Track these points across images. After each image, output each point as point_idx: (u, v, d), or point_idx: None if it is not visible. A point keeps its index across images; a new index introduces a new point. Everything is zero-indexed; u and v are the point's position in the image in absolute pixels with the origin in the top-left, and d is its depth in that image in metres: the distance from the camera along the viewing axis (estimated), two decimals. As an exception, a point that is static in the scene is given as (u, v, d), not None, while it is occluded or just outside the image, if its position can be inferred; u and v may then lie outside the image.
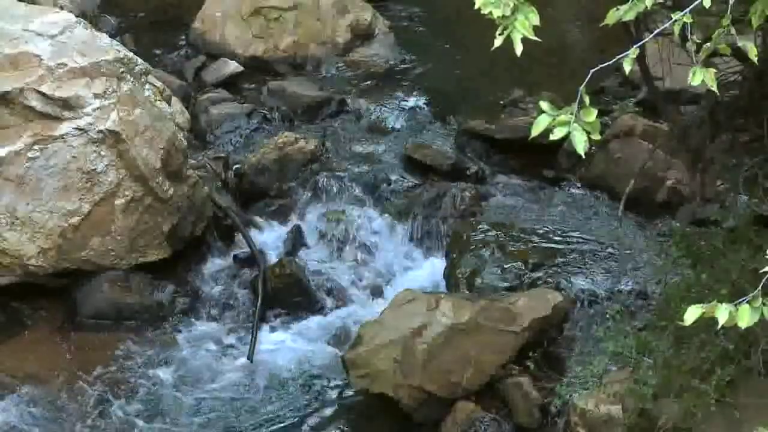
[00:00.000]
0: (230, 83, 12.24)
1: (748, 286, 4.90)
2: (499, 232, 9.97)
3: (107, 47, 9.63)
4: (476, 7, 4.36)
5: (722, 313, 4.23)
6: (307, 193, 10.59)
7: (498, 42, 4.39)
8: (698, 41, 4.45)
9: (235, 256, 10.08)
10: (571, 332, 9.01)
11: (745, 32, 4.79)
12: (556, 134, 4.28)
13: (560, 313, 8.85)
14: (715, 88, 4.45)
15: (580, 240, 10.05)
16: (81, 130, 9.26)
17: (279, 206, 10.59)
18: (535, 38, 4.35)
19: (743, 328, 4.26)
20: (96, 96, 9.31)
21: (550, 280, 9.44)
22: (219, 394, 8.99)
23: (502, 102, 11.67)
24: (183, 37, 13.04)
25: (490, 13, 4.33)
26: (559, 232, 10.14)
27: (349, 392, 8.90)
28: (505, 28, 4.35)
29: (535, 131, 4.31)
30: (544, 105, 4.31)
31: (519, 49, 4.34)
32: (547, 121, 4.29)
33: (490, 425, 8.32)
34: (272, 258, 10.04)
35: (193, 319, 9.60)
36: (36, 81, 9.24)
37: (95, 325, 9.43)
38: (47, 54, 9.34)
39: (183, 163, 9.86)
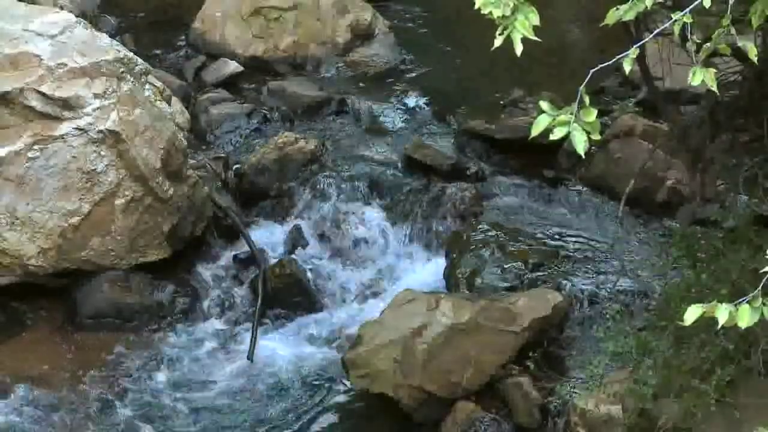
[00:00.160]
0: (230, 83, 12.23)
1: (748, 286, 4.91)
2: (499, 232, 9.97)
3: (107, 47, 9.63)
4: (476, 7, 4.36)
5: (722, 313, 4.23)
6: (307, 193, 10.58)
7: (498, 42, 4.39)
8: (698, 41, 4.45)
9: (235, 256, 10.09)
10: (571, 332, 9.01)
11: (745, 32, 4.79)
12: (556, 134, 4.28)
13: (560, 313, 8.85)
14: (715, 88, 4.45)
15: (580, 240, 10.05)
16: (81, 130, 9.26)
17: (279, 206, 10.59)
18: (535, 38, 4.35)
19: (743, 328, 4.26)
20: (96, 96, 9.31)
21: (550, 280, 9.44)
22: (219, 394, 8.99)
23: (502, 102, 11.66)
24: (183, 37, 13.03)
25: (490, 13, 4.34)
26: (559, 232, 10.14)
27: (349, 392, 8.90)
28: (505, 28, 4.35)
29: (535, 131, 4.31)
30: (544, 105, 4.31)
31: (519, 49, 4.35)
32: (547, 121, 4.29)
33: (490, 425, 8.33)
34: (272, 258, 10.04)
35: (193, 319, 9.60)
36: (36, 81, 9.24)
37: (95, 325, 9.43)
38: (47, 54, 9.34)
39: (183, 163, 9.86)
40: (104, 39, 9.78)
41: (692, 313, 4.29)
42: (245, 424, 8.71)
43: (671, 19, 4.41)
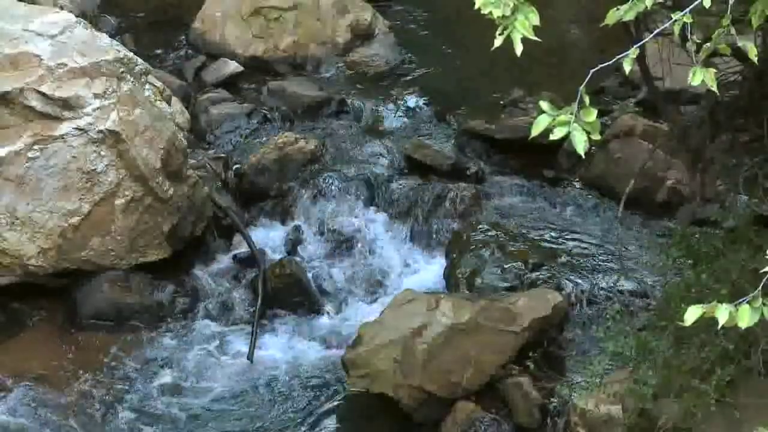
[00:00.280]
0: (230, 83, 12.23)
1: (748, 286, 4.90)
2: (499, 232, 9.97)
3: (107, 47, 9.63)
4: (476, 7, 4.36)
5: (722, 313, 4.23)
6: (307, 193, 10.58)
7: (498, 42, 4.39)
8: (698, 41, 4.45)
9: (235, 256, 10.09)
10: (571, 332, 9.01)
11: (745, 32, 4.79)
12: (556, 134, 4.28)
13: (560, 313, 8.86)
14: (715, 88, 4.45)
15: (580, 240, 10.05)
16: (81, 130, 9.27)
17: (279, 206, 10.59)
18: (535, 38, 4.35)
19: (743, 328, 4.26)
20: (96, 96, 9.32)
21: (550, 280, 9.44)
22: (219, 394, 8.99)
23: (502, 102, 11.66)
24: (183, 37, 13.03)
25: (490, 13, 4.34)
26: (559, 232, 10.14)
27: (349, 392, 8.90)
28: (505, 28, 4.35)
29: (535, 131, 4.31)
30: (544, 105, 4.31)
31: (519, 49, 4.35)
32: (547, 121, 4.29)
33: (490, 425, 8.32)
34: (272, 258, 10.04)
35: (193, 319, 9.60)
36: (36, 81, 9.24)
37: (95, 325, 9.43)
38: (47, 54, 9.34)
39: (183, 163, 9.86)
40: (104, 39, 9.78)
41: (692, 314, 4.29)
42: (245, 425, 8.70)
43: (671, 19, 4.41)
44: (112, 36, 10.66)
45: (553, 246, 9.92)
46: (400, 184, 10.67)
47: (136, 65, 9.76)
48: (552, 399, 8.17)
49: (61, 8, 10.93)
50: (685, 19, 4.36)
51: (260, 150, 10.88)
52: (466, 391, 8.42)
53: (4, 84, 9.20)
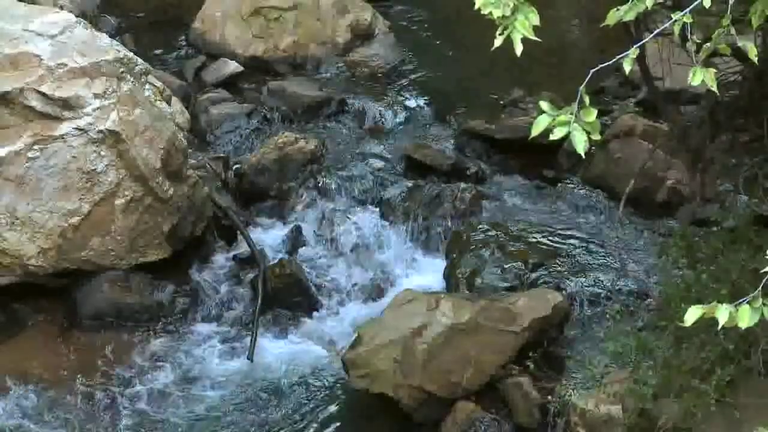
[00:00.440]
0: (230, 83, 12.24)
1: (748, 286, 4.91)
2: (499, 232, 9.97)
3: (107, 47, 9.63)
4: (476, 7, 4.36)
5: (722, 313, 4.23)
6: (307, 193, 10.58)
7: (498, 42, 4.39)
8: (698, 41, 4.45)
9: (235, 256, 10.08)
10: (571, 332, 9.01)
11: (745, 32, 4.80)
12: (556, 134, 4.28)
13: (560, 313, 8.85)
14: (715, 88, 4.45)
15: (580, 240, 10.05)
16: (81, 130, 9.26)
17: (279, 206, 10.59)
18: (535, 38, 4.35)
19: (743, 328, 4.26)
20: (96, 96, 9.31)
21: (550, 280, 9.44)
22: (219, 393, 8.99)
23: (502, 102, 11.67)
24: (183, 37, 13.04)
25: (490, 13, 4.34)
26: (559, 232, 10.14)
27: (349, 392, 8.90)
28: (505, 28, 4.35)
29: (535, 131, 4.31)
30: (544, 105, 4.31)
31: (519, 49, 4.35)
32: (547, 121, 4.29)
33: (490, 425, 8.32)
34: (272, 258, 10.04)
35: (193, 319, 9.60)
36: (36, 81, 9.24)
37: (95, 325, 9.43)
38: (47, 54, 9.34)
39: (183, 163, 9.86)
40: (104, 39, 9.78)
41: (692, 314, 4.29)
42: (245, 424, 8.70)
43: (671, 19, 4.41)
44: (112, 36, 10.66)
45: (553, 246, 9.92)
46: (400, 184, 10.68)
47: (136, 65, 9.76)
48: (552, 399, 8.17)
49: (61, 8, 10.93)
50: (685, 19, 4.36)
51: (260, 150, 10.88)
52: (466, 391, 8.42)
53: (4, 84, 9.20)
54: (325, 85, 12.23)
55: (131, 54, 9.84)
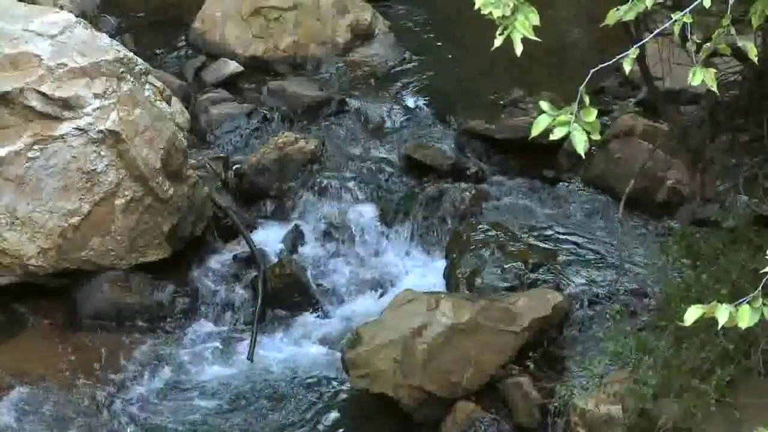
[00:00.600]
0: (230, 83, 12.23)
1: (748, 286, 4.91)
2: (499, 232, 9.96)
3: (107, 47, 9.63)
4: (476, 7, 4.36)
5: (722, 313, 4.23)
6: (307, 193, 10.58)
7: (498, 42, 4.39)
8: (698, 41, 4.45)
9: (235, 256, 10.08)
10: (571, 332, 9.00)
11: (745, 32, 4.79)
12: (556, 134, 4.28)
13: (560, 313, 8.85)
14: (715, 88, 4.45)
15: (580, 240, 10.05)
16: (81, 130, 9.26)
17: (279, 206, 10.59)
18: (535, 38, 4.35)
19: (743, 328, 4.26)
20: (96, 96, 9.31)
21: (550, 280, 9.43)
22: (219, 394, 8.99)
23: (502, 102, 11.66)
24: (183, 37, 13.03)
25: (490, 13, 4.34)
26: (559, 232, 10.14)
27: (349, 392, 8.90)
28: (505, 28, 4.35)
29: (535, 131, 4.31)
30: (544, 105, 4.31)
31: (519, 49, 4.35)
32: (547, 121, 4.29)
33: (490, 425, 8.32)
34: (272, 258, 10.04)
35: (193, 319, 9.60)
36: (36, 81, 9.24)
37: (95, 325, 9.43)
38: (47, 54, 9.34)
39: (183, 163, 9.86)
40: (104, 39, 9.78)
41: (692, 314, 4.28)
42: (245, 425, 8.70)
43: (671, 19, 4.41)
44: (112, 36, 10.65)
45: (553, 246, 9.91)
46: (400, 184, 10.68)
47: (136, 65, 9.76)
48: (552, 399, 8.16)
49: (61, 8, 10.93)
50: (685, 19, 4.36)
51: (260, 150, 10.88)
52: (466, 391, 8.42)
53: (4, 84, 9.20)
54: (325, 85, 12.23)
55: (131, 54, 9.84)
